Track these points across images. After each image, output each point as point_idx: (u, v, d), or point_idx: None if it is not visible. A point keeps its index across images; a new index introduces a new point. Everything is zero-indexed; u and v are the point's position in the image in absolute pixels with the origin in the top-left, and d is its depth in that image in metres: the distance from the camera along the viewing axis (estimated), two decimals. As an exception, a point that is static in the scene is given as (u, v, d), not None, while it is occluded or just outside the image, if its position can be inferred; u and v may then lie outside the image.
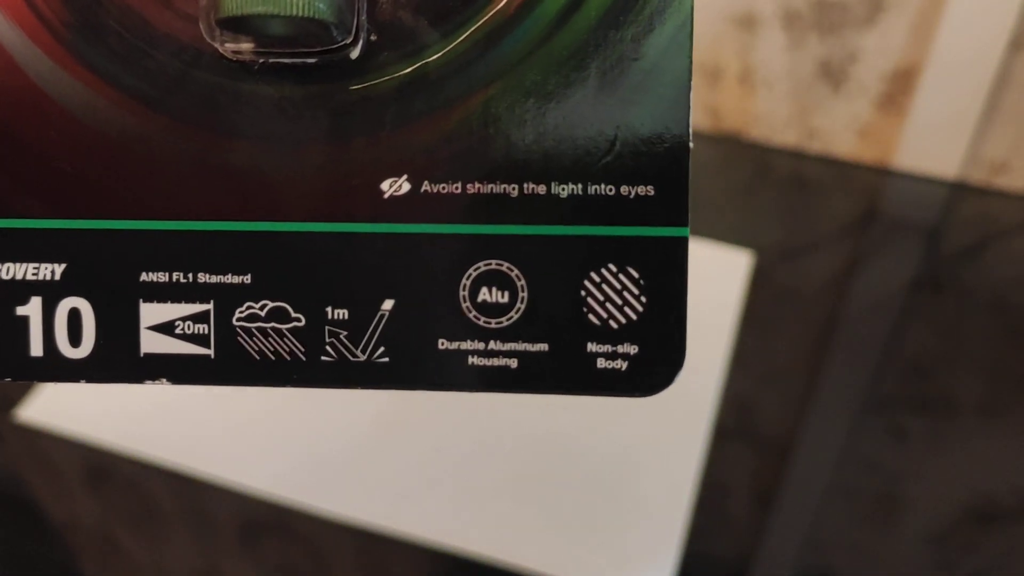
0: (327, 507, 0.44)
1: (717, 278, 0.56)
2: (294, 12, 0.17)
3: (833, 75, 0.63)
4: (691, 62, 0.18)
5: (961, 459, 0.48)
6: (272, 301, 0.19)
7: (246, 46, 0.18)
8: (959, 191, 0.64)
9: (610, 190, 0.19)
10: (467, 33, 0.18)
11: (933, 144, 0.63)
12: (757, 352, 0.52)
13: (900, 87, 0.62)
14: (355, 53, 0.18)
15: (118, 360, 0.19)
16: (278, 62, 0.18)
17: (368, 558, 0.43)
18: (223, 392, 0.49)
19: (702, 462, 0.46)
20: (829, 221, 0.62)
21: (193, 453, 0.46)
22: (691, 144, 0.19)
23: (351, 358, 0.19)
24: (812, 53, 0.62)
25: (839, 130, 0.65)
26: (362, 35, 0.18)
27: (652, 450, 0.47)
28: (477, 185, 0.19)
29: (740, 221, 0.61)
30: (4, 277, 0.19)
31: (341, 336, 0.19)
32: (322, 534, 0.44)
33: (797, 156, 0.66)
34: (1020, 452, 0.48)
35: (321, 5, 0.17)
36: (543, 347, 0.19)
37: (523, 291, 0.19)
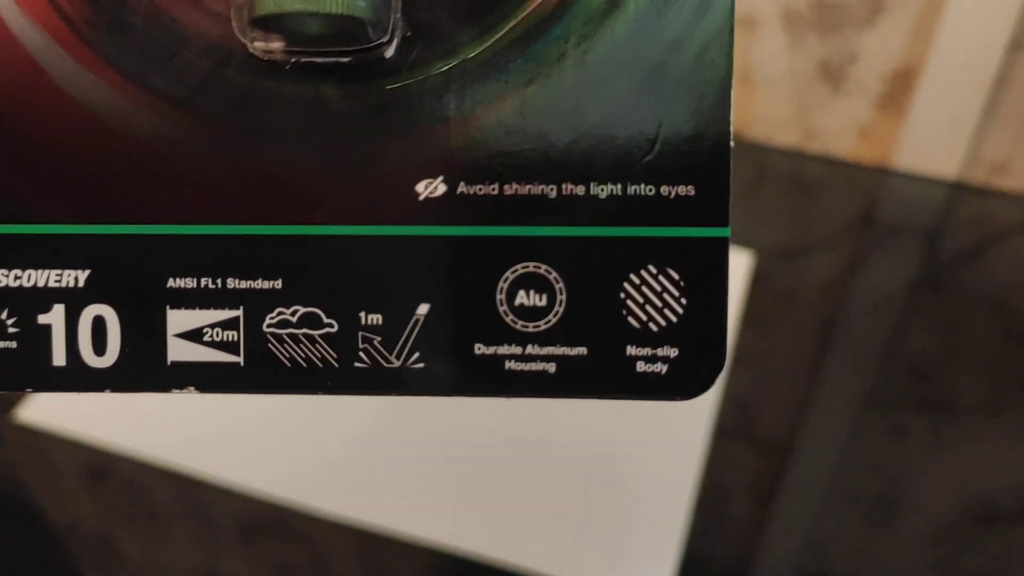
0: (327, 507, 0.44)
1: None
2: (332, 10, 0.17)
3: (833, 75, 0.63)
4: (732, 59, 0.18)
5: (961, 459, 0.48)
6: (304, 307, 0.19)
7: (277, 45, 0.18)
8: (959, 191, 0.64)
9: (650, 190, 0.18)
10: (504, 30, 0.18)
11: (933, 144, 0.63)
12: (757, 352, 0.52)
13: (900, 87, 0.62)
14: (390, 52, 0.18)
15: (144, 369, 0.19)
16: (310, 61, 0.18)
17: (368, 558, 0.43)
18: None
19: (702, 462, 0.46)
20: (829, 221, 0.62)
21: (193, 453, 0.46)
22: (732, 143, 0.18)
23: (385, 364, 0.19)
24: (812, 53, 0.62)
25: (839, 130, 0.65)
26: (397, 33, 0.18)
27: (652, 450, 0.46)
28: (515, 186, 0.18)
29: (740, 221, 0.61)
30: (25, 284, 0.19)
31: (375, 342, 0.19)
32: (322, 534, 0.44)
33: (797, 156, 0.66)
34: (1020, 452, 0.48)
35: (360, 3, 0.17)
36: (582, 351, 0.19)
37: (561, 294, 0.19)
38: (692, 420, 0.48)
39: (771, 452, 0.48)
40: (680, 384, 0.19)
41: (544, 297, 0.19)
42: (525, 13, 0.18)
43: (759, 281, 0.56)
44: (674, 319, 0.19)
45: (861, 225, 0.63)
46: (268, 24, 0.17)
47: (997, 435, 0.49)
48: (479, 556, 0.42)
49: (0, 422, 0.48)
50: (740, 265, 0.56)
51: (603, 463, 0.46)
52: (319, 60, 0.18)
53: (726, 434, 0.48)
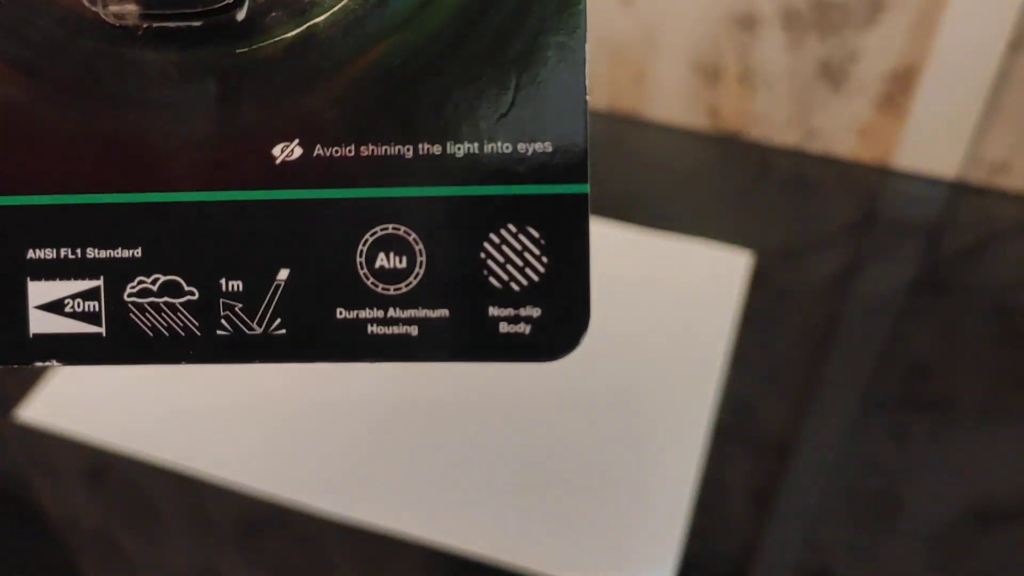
0: (327, 507, 0.44)
1: (717, 278, 0.56)
2: None
3: (833, 75, 0.63)
4: (585, 12, 0.18)
5: (961, 459, 0.48)
6: (164, 275, 0.19)
7: (131, 8, 0.17)
8: (959, 191, 0.64)
9: (507, 148, 0.18)
10: None
11: (933, 144, 0.63)
12: (757, 352, 0.52)
13: (900, 87, 0.62)
14: (240, 15, 0.18)
15: (6, 342, 0.19)
16: (163, 27, 0.18)
17: (368, 558, 0.43)
18: (222, 391, 0.49)
19: (702, 462, 0.46)
20: (829, 221, 0.62)
21: (193, 453, 0.46)
22: (587, 97, 0.18)
23: (247, 331, 0.19)
24: (812, 53, 0.62)
25: (839, 130, 0.65)
26: None
27: (652, 450, 0.46)
28: (371, 147, 0.18)
29: (740, 221, 0.61)
30: None
31: (236, 309, 0.19)
32: (322, 534, 0.44)
33: (797, 156, 0.66)
34: (1020, 452, 0.48)
35: None
36: (444, 313, 0.19)
37: (421, 255, 0.18)
38: (692, 420, 0.48)
39: (771, 452, 0.48)
40: (544, 344, 0.19)
41: (404, 259, 0.18)
42: None
43: (759, 281, 0.56)
44: (536, 278, 0.18)
45: (861, 225, 0.63)
46: None
47: (997, 435, 0.49)
48: (479, 556, 0.42)
49: (0, 422, 0.48)
50: (740, 265, 0.56)
51: (603, 463, 0.46)
52: (171, 25, 0.18)
53: (726, 434, 0.48)
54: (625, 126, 0.68)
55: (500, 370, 0.49)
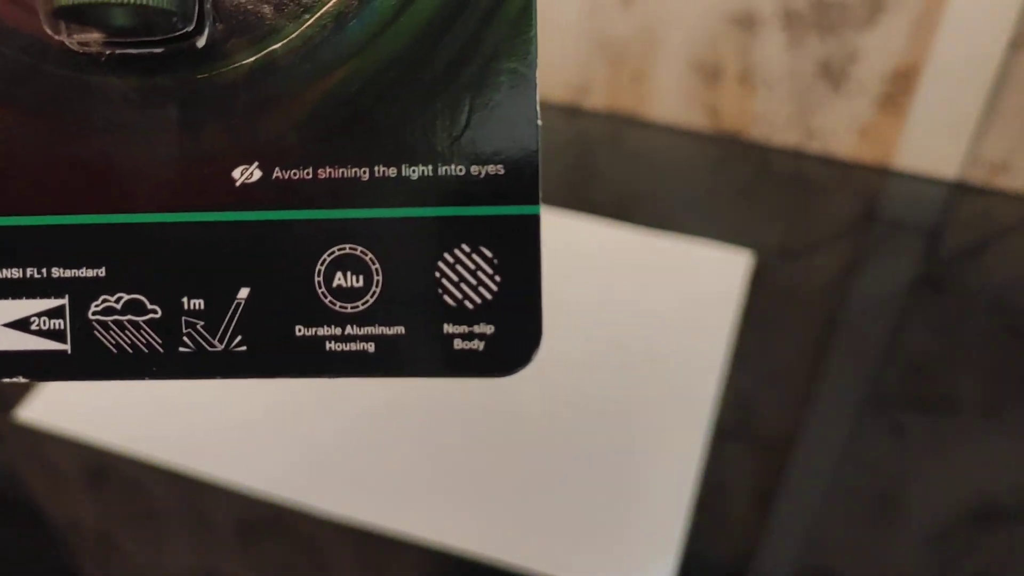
0: (327, 507, 0.44)
1: (717, 278, 0.56)
2: (129, 0, 0.17)
3: (833, 75, 0.63)
4: (536, 39, 0.18)
5: (961, 459, 0.48)
6: (128, 293, 0.19)
7: (94, 36, 0.18)
8: (959, 191, 0.64)
9: (460, 170, 0.19)
10: (315, 16, 0.18)
11: (933, 144, 0.63)
12: (757, 352, 0.52)
13: (900, 87, 0.62)
14: (201, 42, 0.18)
15: None
16: (125, 53, 0.18)
17: (368, 558, 0.43)
18: (223, 392, 0.49)
19: (702, 462, 0.46)
20: (829, 221, 0.62)
21: (193, 453, 0.46)
22: (539, 122, 0.19)
23: (209, 348, 0.19)
24: (812, 53, 0.62)
25: (839, 130, 0.65)
26: (207, 23, 0.18)
27: (652, 450, 0.46)
28: (328, 170, 0.19)
29: (740, 221, 0.61)
30: None
31: (198, 326, 0.19)
32: (322, 534, 0.44)
33: (797, 156, 0.66)
34: (1020, 452, 0.48)
35: None
36: (400, 330, 0.19)
37: (378, 275, 0.19)
38: (692, 420, 0.48)
39: (771, 452, 0.48)
40: (498, 360, 0.19)
41: (361, 278, 0.19)
42: None
43: (759, 281, 0.56)
44: (489, 296, 0.19)
45: (861, 225, 0.63)
46: (71, 16, 0.17)
47: (997, 435, 0.49)
48: (479, 556, 0.42)
49: (0, 422, 0.48)
50: (740, 265, 0.56)
51: (603, 463, 0.46)
52: (133, 52, 0.18)
53: (726, 434, 0.48)
54: (625, 126, 0.68)
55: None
